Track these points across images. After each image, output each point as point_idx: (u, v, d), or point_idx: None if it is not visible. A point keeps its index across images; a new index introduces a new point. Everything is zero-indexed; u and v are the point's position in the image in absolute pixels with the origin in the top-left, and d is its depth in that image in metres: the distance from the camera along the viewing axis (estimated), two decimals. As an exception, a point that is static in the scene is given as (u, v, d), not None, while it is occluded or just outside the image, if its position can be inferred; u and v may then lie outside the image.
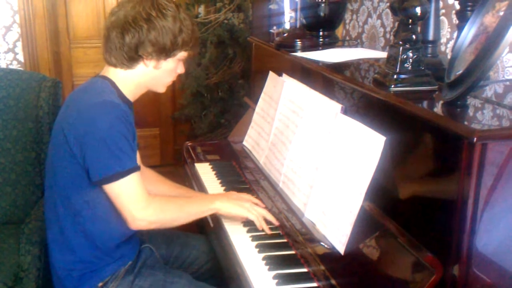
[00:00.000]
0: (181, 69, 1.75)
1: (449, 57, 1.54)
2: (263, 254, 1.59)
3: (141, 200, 1.59)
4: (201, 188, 2.14)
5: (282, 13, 2.58)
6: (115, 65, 1.66)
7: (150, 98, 4.04)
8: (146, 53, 1.63)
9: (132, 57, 1.63)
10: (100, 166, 1.56)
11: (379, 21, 2.55)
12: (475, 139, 1.09)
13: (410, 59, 1.45)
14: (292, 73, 2.09)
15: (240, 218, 1.75)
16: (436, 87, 1.47)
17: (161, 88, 1.76)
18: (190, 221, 1.72)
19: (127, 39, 1.60)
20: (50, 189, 1.72)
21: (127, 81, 1.68)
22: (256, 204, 1.77)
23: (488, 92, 1.47)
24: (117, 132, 1.56)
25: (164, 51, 1.64)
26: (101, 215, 1.64)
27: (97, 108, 1.56)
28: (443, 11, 2.04)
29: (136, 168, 1.59)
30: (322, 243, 1.52)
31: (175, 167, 4.17)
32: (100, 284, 1.69)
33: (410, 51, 1.45)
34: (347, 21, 2.85)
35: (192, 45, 1.70)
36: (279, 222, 1.73)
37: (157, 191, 1.88)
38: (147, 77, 1.69)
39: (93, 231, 1.66)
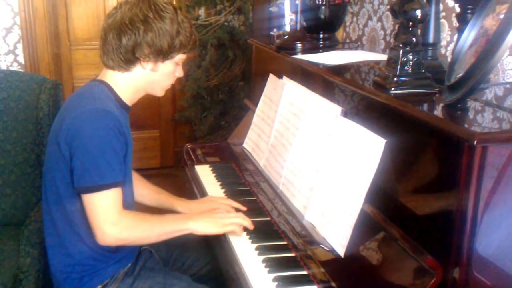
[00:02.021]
0: (179, 73, 1.74)
1: (449, 59, 1.54)
2: (263, 257, 1.59)
3: (113, 215, 1.56)
4: (201, 191, 2.14)
5: (283, 16, 2.58)
6: (112, 68, 1.66)
7: (150, 100, 4.05)
8: (143, 55, 1.62)
9: (129, 59, 1.63)
10: (82, 175, 1.55)
11: (379, 23, 2.55)
12: (475, 142, 1.09)
13: (410, 62, 1.45)
14: (292, 76, 2.09)
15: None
16: (436, 89, 1.47)
17: (159, 92, 1.74)
18: (161, 241, 1.69)
19: (123, 40, 1.60)
20: (46, 193, 1.71)
21: (125, 85, 1.67)
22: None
23: (488, 95, 1.47)
24: (106, 143, 1.54)
25: (161, 53, 1.63)
26: None
27: (88, 116, 1.55)
28: (444, 14, 2.05)
29: (117, 184, 1.56)
30: (322, 246, 1.52)
31: (175, 169, 4.17)
32: (99, 286, 1.69)
33: (410, 53, 1.45)
34: (348, 24, 2.86)
35: (190, 48, 1.69)
36: (254, 226, 1.72)
37: (137, 194, 1.88)
38: (145, 80, 1.68)
39: (89, 236, 1.64)
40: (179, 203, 1.93)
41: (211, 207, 1.89)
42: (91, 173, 1.54)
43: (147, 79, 1.68)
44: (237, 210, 1.87)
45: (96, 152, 1.53)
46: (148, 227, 1.63)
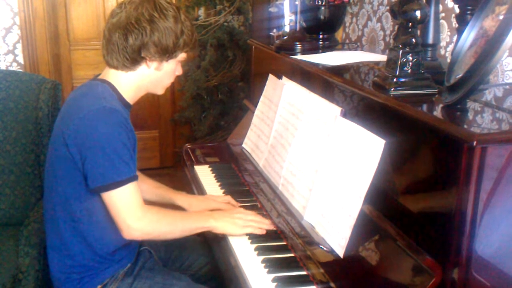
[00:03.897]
0: (179, 71, 1.76)
1: (448, 60, 1.54)
2: (262, 257, 1.59)
3: (137, 210, 1.58)
4: (200, 191, 2.14)
5: (282, 16, 2.58)
6: (116, 67, 1.66)
7: (149, 100, 4.08)
8: (149, 54, 1.63)
9: (134, 59, 1.63)
10: (98, 174, 1.55)
11: (379, 24, 2.55)
12: (474, 142, 1.09)
13: (410, 63, 1.45)
14: (292, 76, 2.09)
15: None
16: (436, 90, 1.47)
17: (160, 90, 1.76)
18: (182, 236, 1.71)
19: (130, 40, 1.60)
20: (49, 193, 1.71)
21: (127, 83, 1.68)
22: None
23: (488, 95, 1.47)
24: (117, 140, 1.55)
25: (166, 52, 1.64)
26: (100, 221, 1.63)
27: (97, 115, 1.56)
28: (443, 14, 2.05)
29: (134, 178, 1.58)
30: (321, 246, 1.52)
31: (175, 170, 4.17)
32: (99, 286, 1.69)
33: (410, 54, 1.45)
34: (347, 24, 2.86)
35: (192, 46, 1.71)
36: (275, 227, 1.74)
37: None
38: (148, 79, 1.69)
39: (92, 237, 1.66)
40: (179, 197, 1.95)
41: (210, 206, 1.90)
42: (108, 171, 1.55)
43: (150, 78, 1.69)
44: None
45: (109, 150, 1.54)
46: (171, 221, 1.66)
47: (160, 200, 1.96)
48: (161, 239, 1.77)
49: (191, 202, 1.94)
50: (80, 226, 1.65)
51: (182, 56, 1.70)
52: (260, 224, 1.72)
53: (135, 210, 1.58)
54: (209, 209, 1.88)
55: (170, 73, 1.72)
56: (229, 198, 1.94)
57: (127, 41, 1.60)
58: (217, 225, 1.70)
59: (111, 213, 1.58)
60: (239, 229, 1.70)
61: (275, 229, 1.74)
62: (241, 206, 1.90)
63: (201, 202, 1.94)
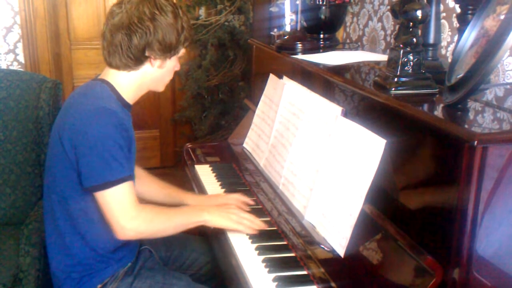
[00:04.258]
0: (177, 67, 1.76)
1: (449, 60, 1.54)
2: (263, 257, 1.59)
3: (130, 210, 1.57)
4: (201, 190, 2.14)
5: (283, 16, 2.58)
6: (118, 68, 1.65)
7: (150, 99, 4.07)
8: (153, 53, 1.63)
9: (138, 58, 1.63)
10: (91, 174, 1.55)
11: (379, 24, 2.55)
12: (475, 142, 1.09)
13: (411, 62, 1.45)
14: (293, 76, 2.09)
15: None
16: (437, 90, 1.47)
17: (161, 88, 1.76)
18: (177, 232, 1.71)
19: (134, 40, 1.60)
20: (48, 192, 1.71)
21: (128, 83, 1.68)
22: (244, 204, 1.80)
23: (489, 95, 1.47)
24: (111, 140, 1.55)
25: (170, 49, 1.64)
26: (98, 220, 1.62)
27: (92, 115, 1.56)
28: (444, 14, 2.05)
29: (128, 178, 1.58)
30: (322, 246, 1.52)
31: (175, 169, 4.17)
32: (99, 286, 1.69)
33: (411, 54, 1.45)
34: (348, 24, 2.86)
35: (191, 41, 1.72)
36: (268, 225, 1.74)
37: (146, 190, 1.89)
38: (150, 77, 1.69)
39: (91, 236, 1.65)
40: (188, 197, 1.94)
41: (221, 202, 1.88)
42: (101, 170, 1.54)
43: (152, 76, 1.69)
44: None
45: (102, 149, 1.54)
46: (165, 219, 1.66)
47: (169, 200, 1.95)
48: (155, 237, 1.76)
49: (201, 200, 1.93)
50: (79, 225, 1.65)
51: (182, 51, 1.71)
52: (253, 225, 1.72)
53: (129, 210, 1.57)
54: (223, 204, 1.86)
55: (171, 70, 1.73)
56: (238, 195, 1.91)
57: (131, 41, 1.60)
58: (211, 218, 1.69)
59: (104, 213, 1.58)
60: (232, 223, 1.70)
61: (268, 229, 1.73)
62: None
63: (211, 199, 1.93)
